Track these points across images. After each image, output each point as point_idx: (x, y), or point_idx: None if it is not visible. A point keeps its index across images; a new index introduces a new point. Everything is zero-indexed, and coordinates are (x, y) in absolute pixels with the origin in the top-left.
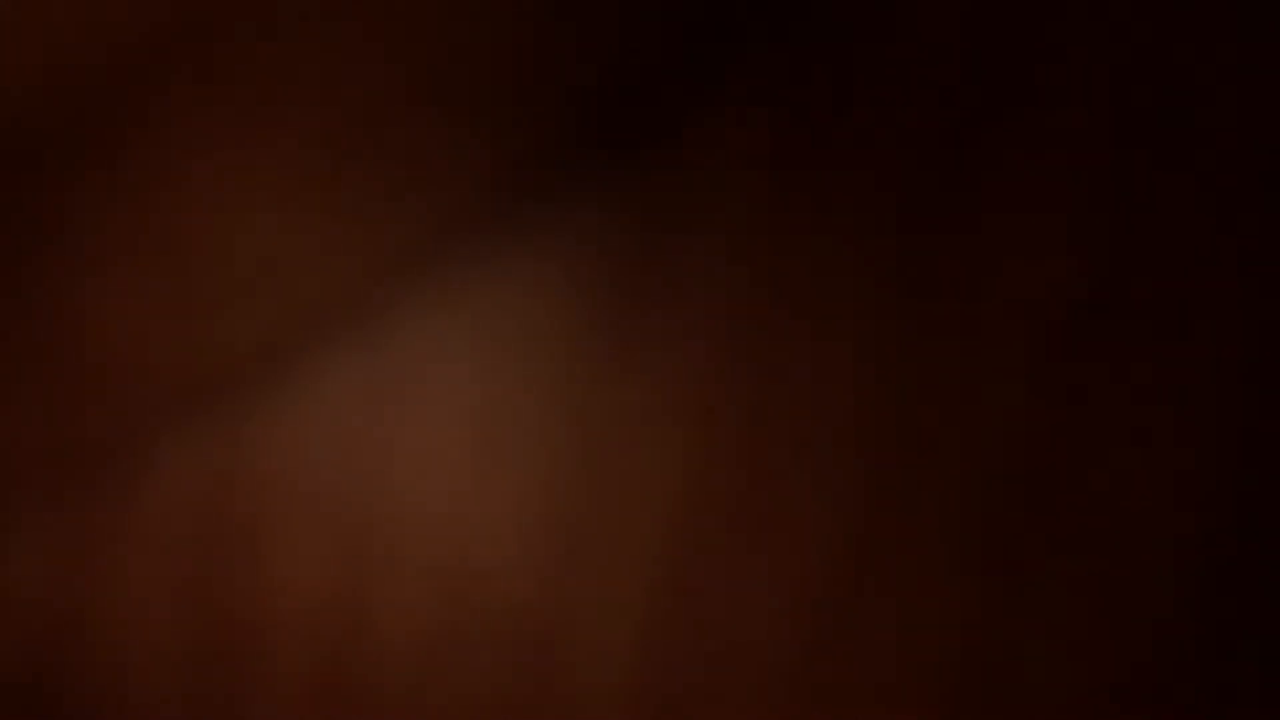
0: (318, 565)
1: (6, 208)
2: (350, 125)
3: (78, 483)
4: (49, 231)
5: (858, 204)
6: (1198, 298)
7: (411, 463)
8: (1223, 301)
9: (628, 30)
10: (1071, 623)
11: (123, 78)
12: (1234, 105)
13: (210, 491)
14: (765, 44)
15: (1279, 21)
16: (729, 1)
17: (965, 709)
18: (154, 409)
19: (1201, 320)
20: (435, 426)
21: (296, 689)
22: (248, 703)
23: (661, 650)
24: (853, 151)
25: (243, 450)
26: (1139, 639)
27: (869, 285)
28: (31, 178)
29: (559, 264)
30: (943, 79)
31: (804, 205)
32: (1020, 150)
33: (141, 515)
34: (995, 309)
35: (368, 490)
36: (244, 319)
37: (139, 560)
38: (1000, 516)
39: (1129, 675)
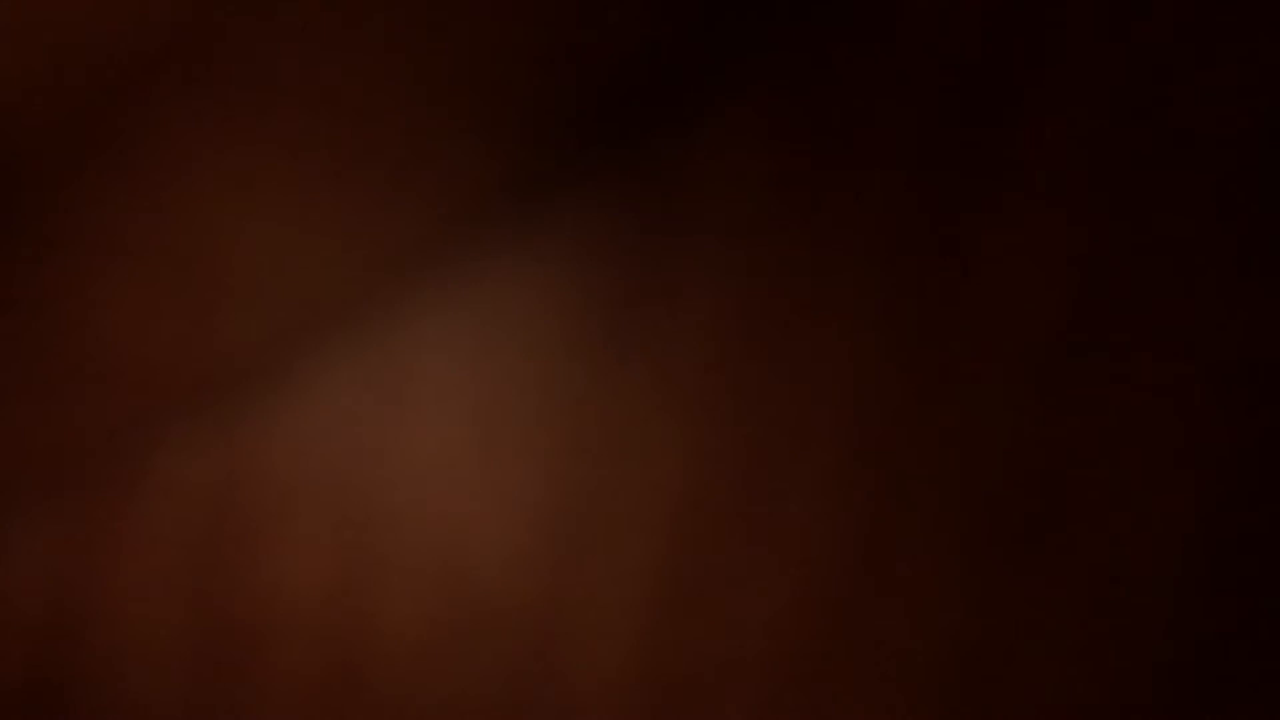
0: (318, 564)
1: (7, 209)
2: (350, 126)
3: (78, 483)
4: (50, 232)
5: (858, 205)
6: (1198, 297)
7: (412, 462)
8: (1223, 301)
9: (630, 33)
10: (1072, 624)
11: (124, 80)
12: (1234, 105)
13: (210, 491)
14: (766, 48)
15: (1279, 21)
16: (730, 5)
17: (966, 709)
18: (154, 409)
19: (1202, 320)
20: (435, 426)
21: (297, 687)
22: (248, 701)
23: (661, 649)
24: (853, 153)
25: (243, 450)
26: (1140, 640)
27: (869, 285)
28: (33, 179)
29: (559, 264)
30: (943, 81)
31: (804, 206)
32: (1020, 150)
33: (142, 515)
34: (996, 309)
35: (368, 489)
36: (244, 319)
37: (139, 560)
38: (1002, 516)
39: (1130, 676)
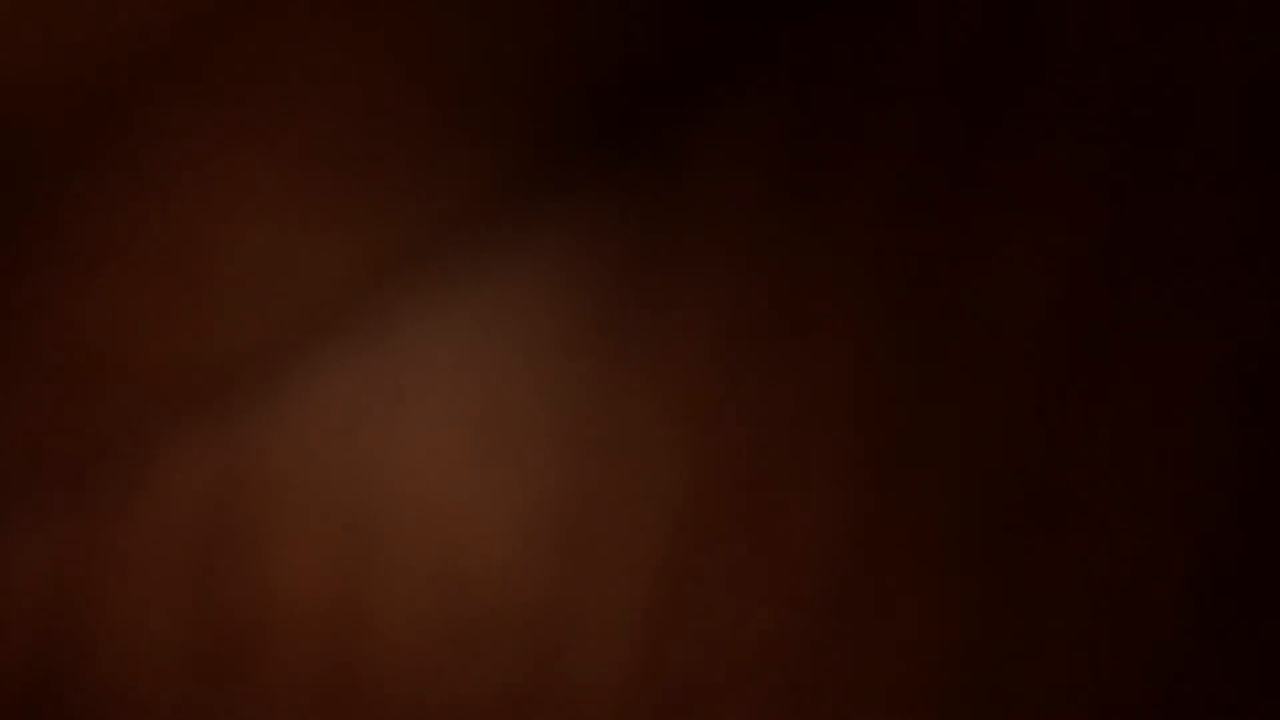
0: (318, 564)
1: (8, 209)
2: (351, 127)
3: (79, 484)
4: (53, 234)
5: (858, 205)
6: (1199, 298)
7: (412, 462)
8: (1222, 300)
9: (630, 33)
10: (1072, 626)
11: (125, 81)
12: (1234, 105)
13: (210, 491)
14: (768, 50)
15: (1279, 21)
16: (731, 7)
17: (965, 709)
18: (154, 409)
19: (1203, 320)
20: (435, 427)
21: (297, 688)
22: (248, 701)
23: (662, 650)
24: (853, 154)
25: (243, 450)
26: (1138, 639)
27: (869, 285)
28: (33, 179)
29: (559, 264)
30: (942, 86)
31: (804, 206)
32: (1020, 152)
33: (142, 515)
34: (995, 311)
35: (368, 490)
36: (244, 319)
37: (140, 560)
38: (1000, 516)
39: (1129, 677)
